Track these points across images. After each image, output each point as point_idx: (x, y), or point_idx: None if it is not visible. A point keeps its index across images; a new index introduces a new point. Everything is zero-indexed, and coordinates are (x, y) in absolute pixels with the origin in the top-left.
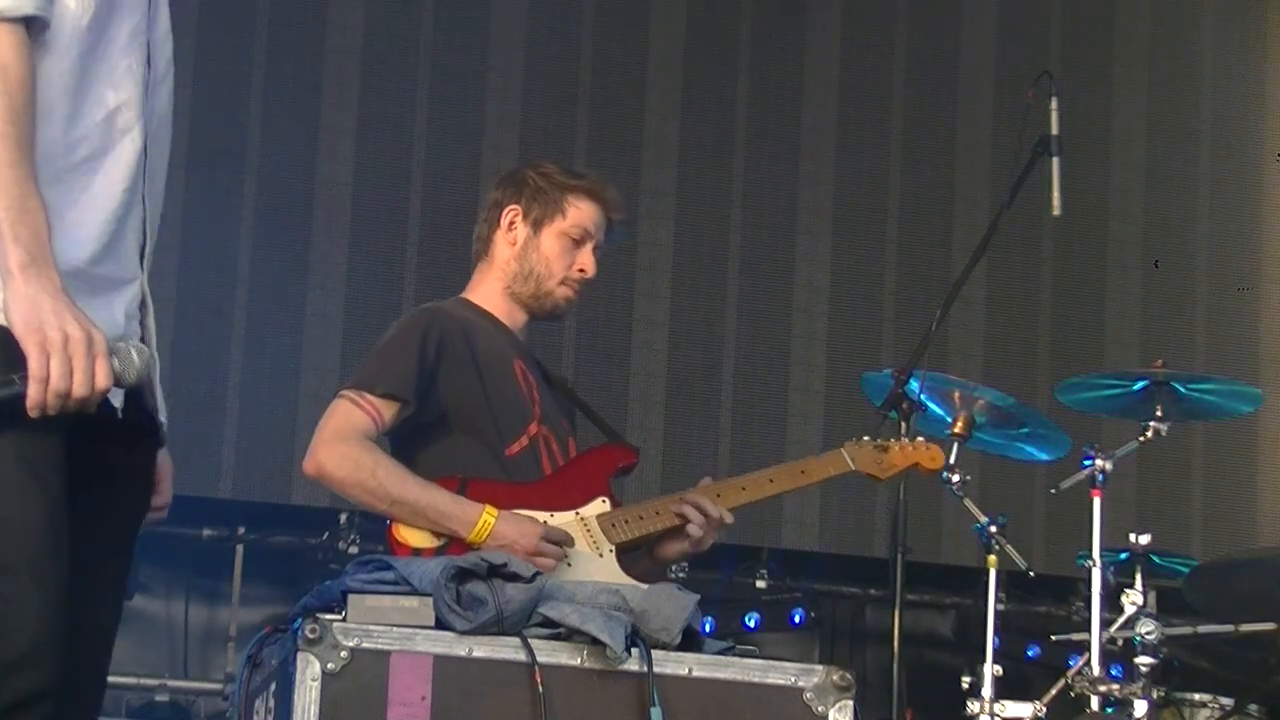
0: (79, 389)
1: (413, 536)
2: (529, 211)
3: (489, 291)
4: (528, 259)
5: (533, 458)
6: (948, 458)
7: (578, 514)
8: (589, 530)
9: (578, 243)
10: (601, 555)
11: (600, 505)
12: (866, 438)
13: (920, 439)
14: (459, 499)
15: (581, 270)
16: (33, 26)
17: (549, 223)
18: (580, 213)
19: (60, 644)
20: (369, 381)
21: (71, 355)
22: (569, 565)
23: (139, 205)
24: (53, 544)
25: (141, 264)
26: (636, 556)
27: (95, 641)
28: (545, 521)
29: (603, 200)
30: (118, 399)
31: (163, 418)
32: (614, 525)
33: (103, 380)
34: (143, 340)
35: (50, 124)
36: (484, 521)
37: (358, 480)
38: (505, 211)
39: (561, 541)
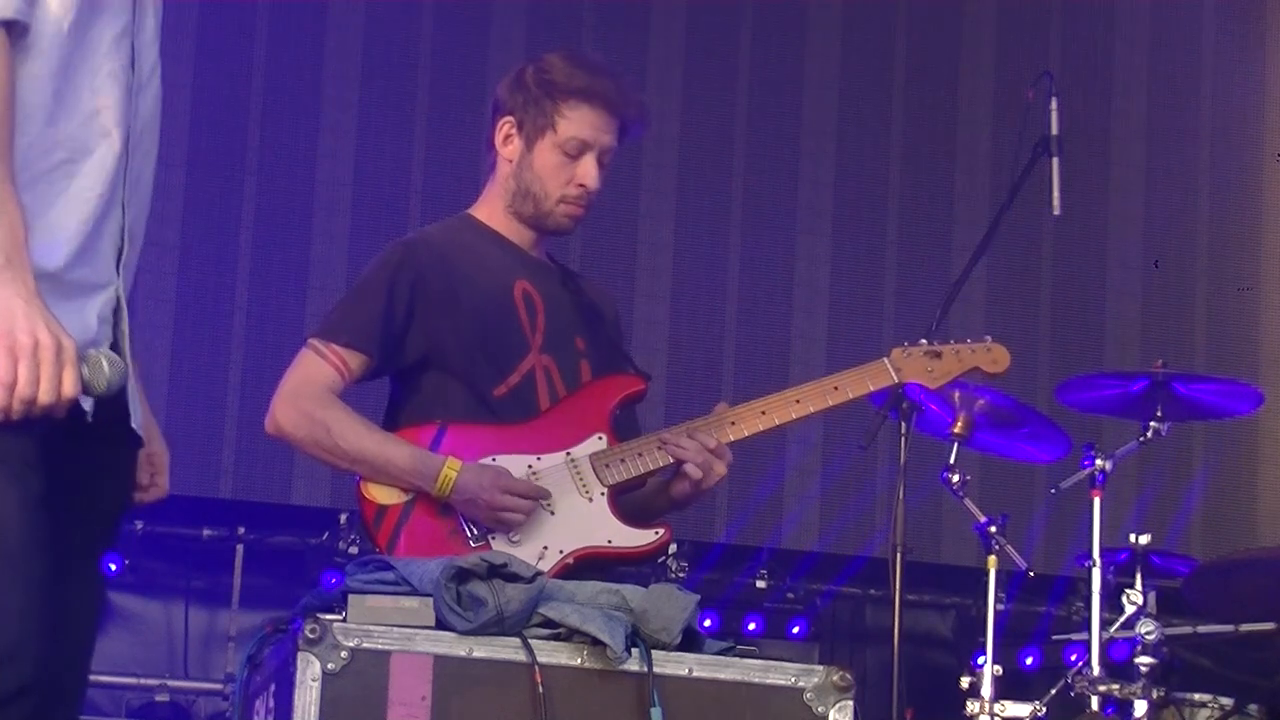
0: (44, 396)
1: (380, 493)
2: (522, 123)
3: (493, 209)
4: (523, 177)
5: (527, 395)
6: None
7: (568, 455)
8: (579, 473)
9: (575, 155)
10: (591, 500)
11: (596, 443)
12: (923, 341)
13: (985, 340)
14: (419, 453)
15: (581, 185)
16: (13, 30)
17: (541, 136)
18: (573, 123)
19: (40, 641)
20: (333, 330)
21: (40, 362)
22: (552, 514)
23: (118, 210)
24: (31, 541)
25: (118, 269)
26: (649, 493)
27: (76, 639)
28: (530, 466)
29: (604, 101)
30: (88, 403)
31: (135, 423)
32: (608, 466)
33: (69, 388)
34: (115, 345)
35: (29, 127)
36: (445, 476)
37: (315, 440)
38: (501, 122)
39: (530, 494)
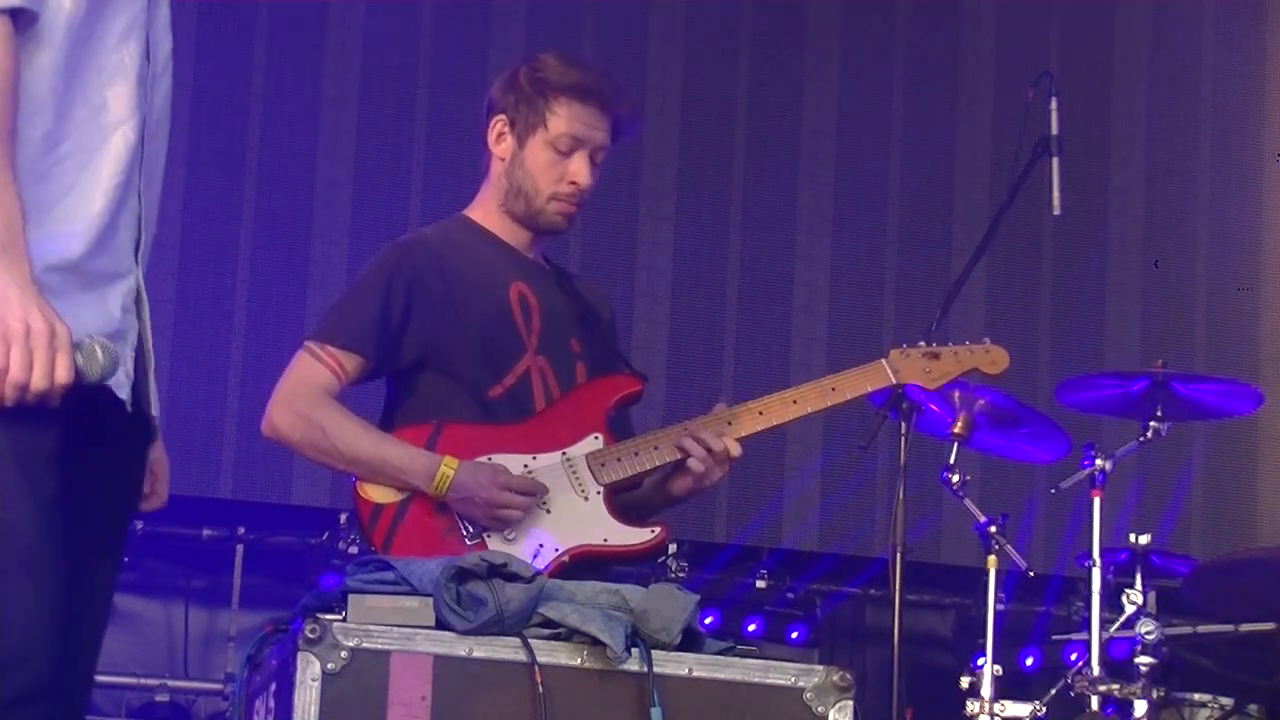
0: (37, 382)
1: (376, 493)
2: (514, 122)
3: (488, 209)
4: (515, 175)
5: (523, 396)
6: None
7: (564, 454)
8: (575, 472)
9: (566, 152)
10: (587, 499)
11: (592, 443)
12: (921, 343)
13: (984, 341)
14: (416, 452)
15: (572, 183)
16: (19, 20)
17: (532, 134)
18: (563, 120)
19: (53, 642)
20: (329, 332)
21: (33, 348)
22: (548, 512)
23: (134, 199)
24: (45, 541)
25: (136, 258)
26: (645, 492)
27: (85, 638)
28: (526, 465)
29: (597, 98)
30: (124, 392)
31: (154, 411)
32: (603, 465)
33: (62, 374)
34: (139, 335)
35: (40, 118)
36: (442, 474)
37: (311, 441)
38: (494, 121)
39: (527, 491)
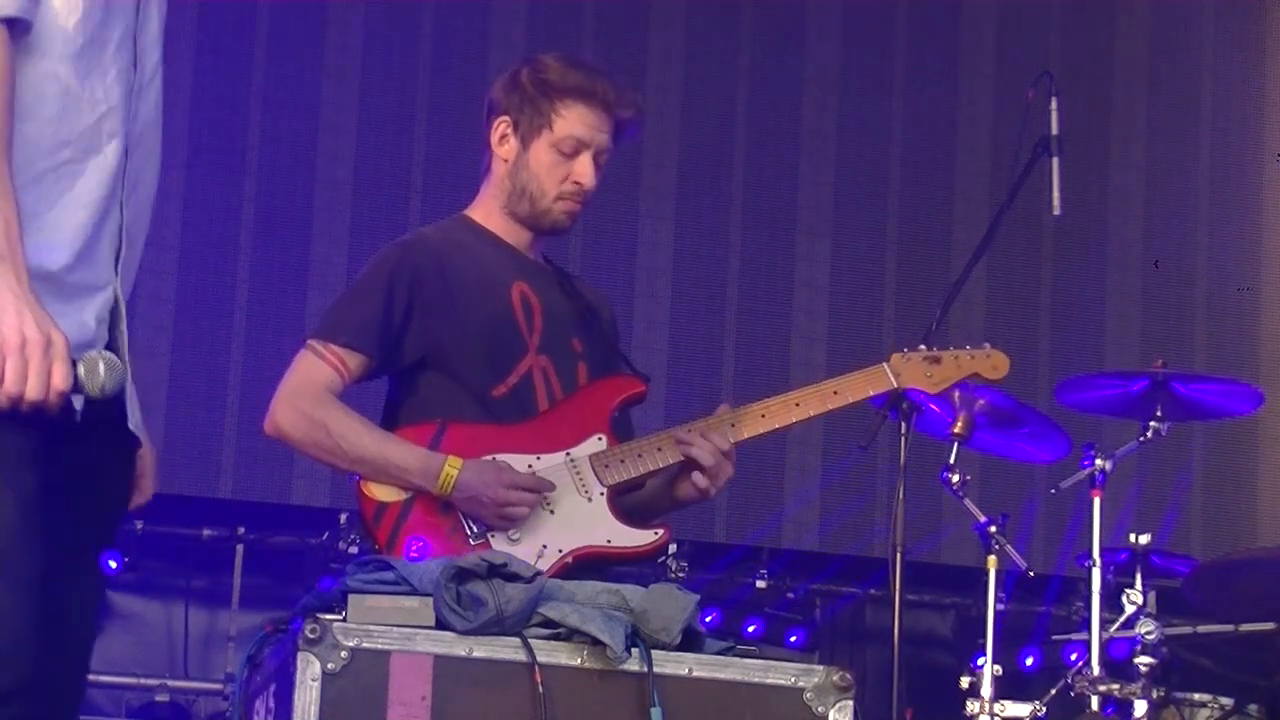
0: (31, 392)
1: (380, 491)
2: (518, 123)
3: (489, 209)
4: (519, 176)
5: (525, 395)
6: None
7: (568, 455)
8: (579, 473)
9: (570, 154)
10: (591, 500)
11: (595, 444)
12: (922, 346)
13: (984, 346)
14: (420, 452)
15: (577, 183)
16: (15, 28)
17: (536, 136)
18: (569, 121)
19: (34, 643)
20: (332, 330)
21: (28, 358)
22: (551, 513)
23: (117, 210)
24: (27, 542)
25: (116, 270)
26: (648, 494)
27: (74, 640)
28: (530, 465)
29: (600, 100)
30: (77, 402)
31: (132, 424)
32: (607, 466)
33: (59, 382)
34: (113, 346)
35: (35, 125)
36: (446, 474)
37: (314, 440)
38: (497, 123)
39: (533, 488)
